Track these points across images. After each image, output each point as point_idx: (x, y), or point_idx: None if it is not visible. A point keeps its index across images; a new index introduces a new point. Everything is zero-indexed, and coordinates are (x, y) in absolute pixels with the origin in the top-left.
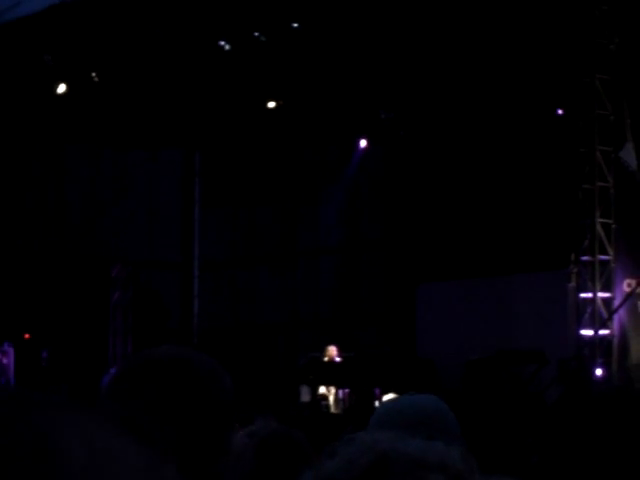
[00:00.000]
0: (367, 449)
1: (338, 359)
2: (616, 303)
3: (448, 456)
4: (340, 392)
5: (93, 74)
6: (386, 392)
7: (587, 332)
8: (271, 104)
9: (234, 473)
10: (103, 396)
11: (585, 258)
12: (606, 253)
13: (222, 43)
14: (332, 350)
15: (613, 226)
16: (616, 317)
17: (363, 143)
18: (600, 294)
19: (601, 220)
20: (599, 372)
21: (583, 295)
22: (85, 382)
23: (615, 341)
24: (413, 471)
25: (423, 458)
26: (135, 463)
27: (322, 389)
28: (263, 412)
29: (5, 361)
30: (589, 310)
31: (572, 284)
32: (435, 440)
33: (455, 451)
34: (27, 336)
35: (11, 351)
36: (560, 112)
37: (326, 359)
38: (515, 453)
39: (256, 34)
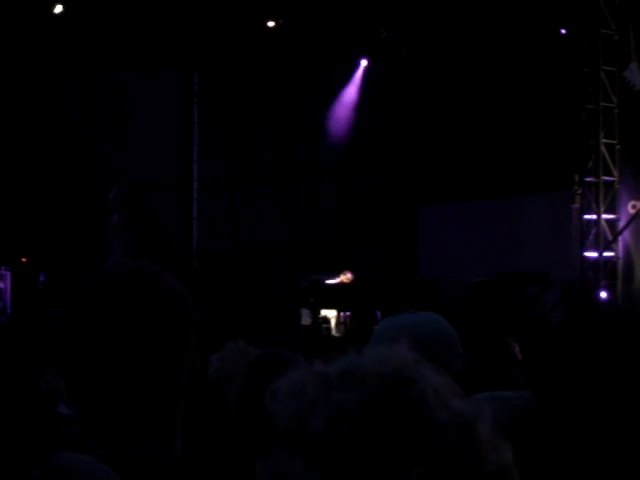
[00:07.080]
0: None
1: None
2: (621, 225)
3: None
4: (342, 315)
5: None
6: (387, 315)
7: (591, 254)
8: (270, 23)
9: (228, 391)
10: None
11: (589, 179)
12: (610, 174)
13: None
14: (346, 275)
15: (617, 147)
16: (621, 239)
17: (364, 63)
18: (604, 216)
19: (605, 141)
20: (603, 295)
21: (587, 217)
22: None
23: (619, 263)
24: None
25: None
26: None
27: (323, 312)
28: (262, 334)
29: (2, 285)
30: (593, 232)
31: (576, 205)
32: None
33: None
34: (24, 260)
35: (8, 275)
36: (563, 32)
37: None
38: (512, 373)
39: None
